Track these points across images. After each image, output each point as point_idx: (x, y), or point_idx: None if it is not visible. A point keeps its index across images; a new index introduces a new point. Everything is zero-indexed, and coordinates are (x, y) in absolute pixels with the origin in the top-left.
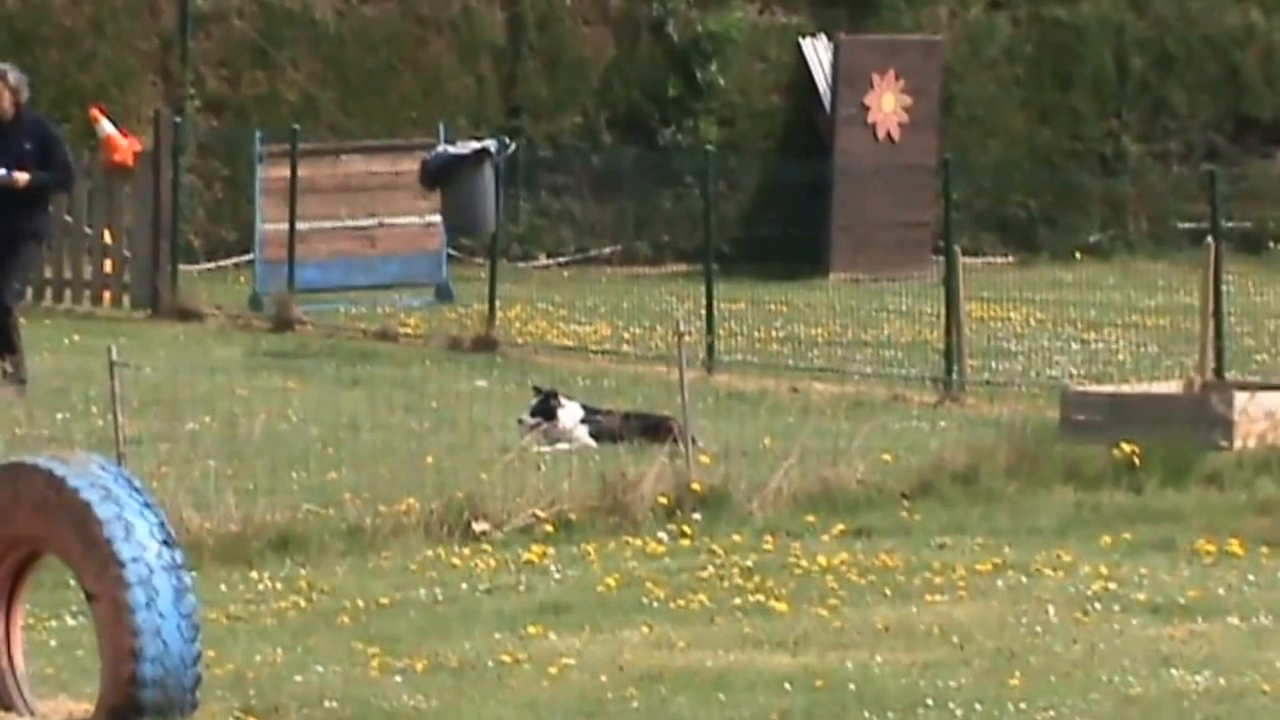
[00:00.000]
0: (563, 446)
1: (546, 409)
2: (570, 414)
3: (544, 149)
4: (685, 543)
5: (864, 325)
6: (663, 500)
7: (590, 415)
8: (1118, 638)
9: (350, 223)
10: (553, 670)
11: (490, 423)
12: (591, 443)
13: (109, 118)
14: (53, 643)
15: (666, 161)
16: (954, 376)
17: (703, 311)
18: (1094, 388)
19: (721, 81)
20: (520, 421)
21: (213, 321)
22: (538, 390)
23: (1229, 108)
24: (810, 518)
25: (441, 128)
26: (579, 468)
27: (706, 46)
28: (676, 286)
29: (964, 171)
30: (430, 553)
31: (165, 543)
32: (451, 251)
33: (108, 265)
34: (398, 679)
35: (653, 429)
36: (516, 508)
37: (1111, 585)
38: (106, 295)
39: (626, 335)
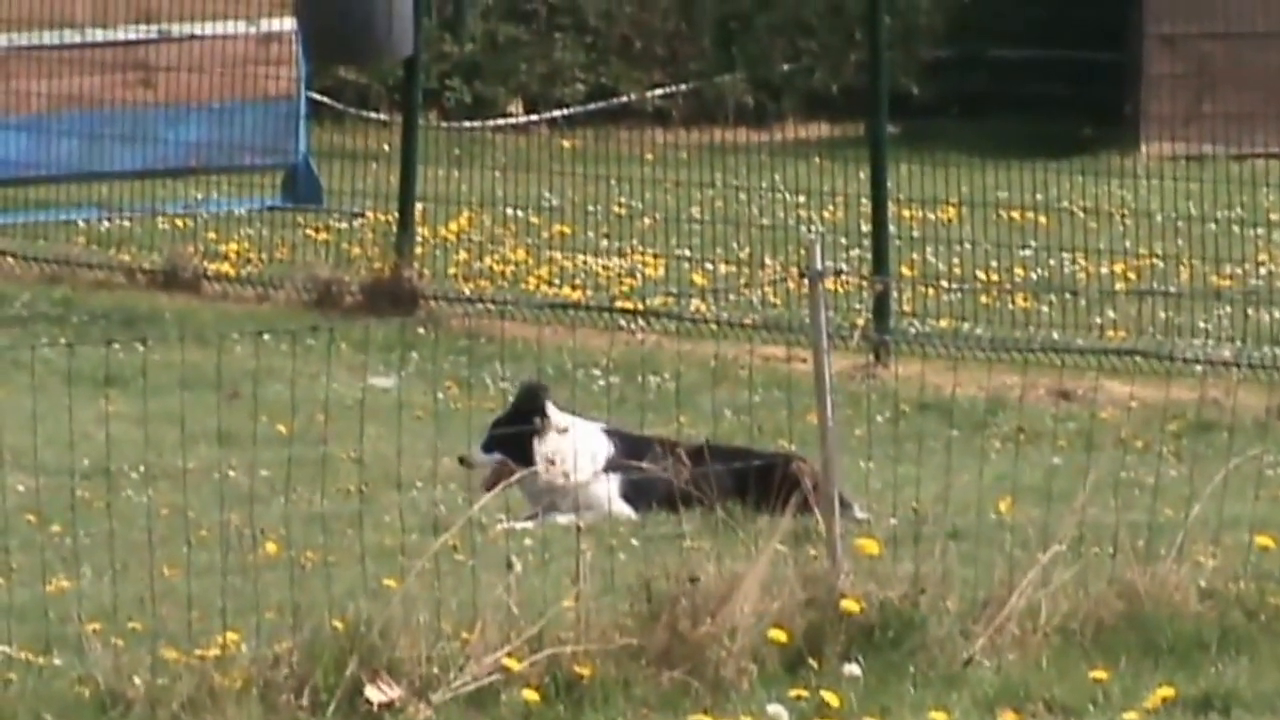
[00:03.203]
0: (563, 518)
1: (528, 433)
2: (582, 446)
3: None
4: None
5: (1214, 256)
6: (778, 637)
7: (622, 451)
8: None
9: (96, 36)
10: None
11: (406, 468)
12: (625, 509)
13: None
14: None
15: None
16: None
17: (863, 228)
18: None
19: None
20: (464, 461)
21: None
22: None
23: None
24: (1099, 673)
25: None
26: (596, 565)
27: None
28: (807, 171)
29: None
30: None
31: None
32: (319, 98)
33: None
34: None
35: (757, 481)
36: (458, 652)
37: None
38: None
39: (699, 277)
